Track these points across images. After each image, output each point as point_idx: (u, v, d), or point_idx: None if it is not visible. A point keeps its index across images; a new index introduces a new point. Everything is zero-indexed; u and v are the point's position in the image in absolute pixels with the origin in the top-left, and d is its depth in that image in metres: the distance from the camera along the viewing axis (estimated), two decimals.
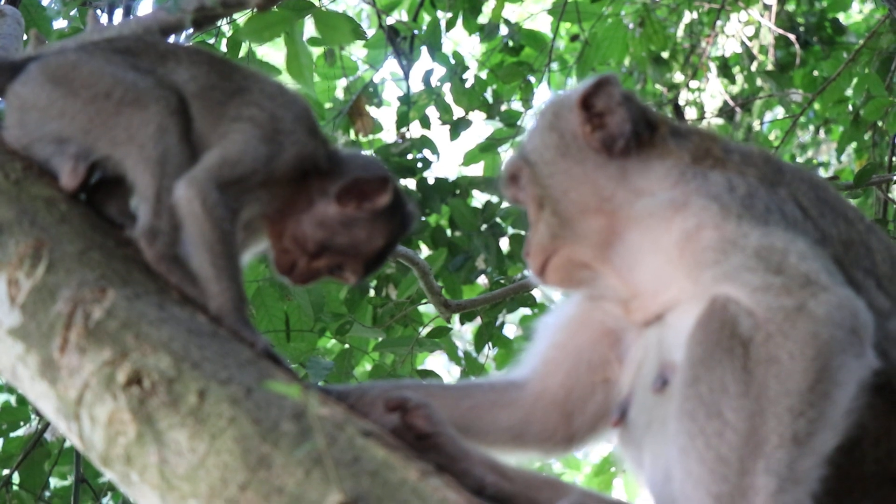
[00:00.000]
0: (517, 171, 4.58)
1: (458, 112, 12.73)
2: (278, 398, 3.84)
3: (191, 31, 4.69)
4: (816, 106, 13.09)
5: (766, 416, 3.71)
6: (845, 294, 3.88)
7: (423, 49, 12.75)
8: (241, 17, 4.49)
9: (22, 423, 10.37)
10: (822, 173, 13.90)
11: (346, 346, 11.06)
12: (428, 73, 12.79)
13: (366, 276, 4.67)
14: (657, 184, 4.29)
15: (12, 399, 10.82)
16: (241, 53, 9.97)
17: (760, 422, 3.72)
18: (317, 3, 4.68)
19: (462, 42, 14.50)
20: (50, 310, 4.02)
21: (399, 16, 13.56)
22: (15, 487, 10.02)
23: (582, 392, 4.51)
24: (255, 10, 4.36)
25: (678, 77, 14.25)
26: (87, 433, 3.93)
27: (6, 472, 9.95)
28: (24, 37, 5.29)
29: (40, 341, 4.01)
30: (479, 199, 12.12)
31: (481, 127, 13.74)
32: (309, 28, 4.88)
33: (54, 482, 10.72)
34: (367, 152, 11.81)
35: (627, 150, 4.38)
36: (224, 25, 10.31)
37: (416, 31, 12.49)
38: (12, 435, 10.49)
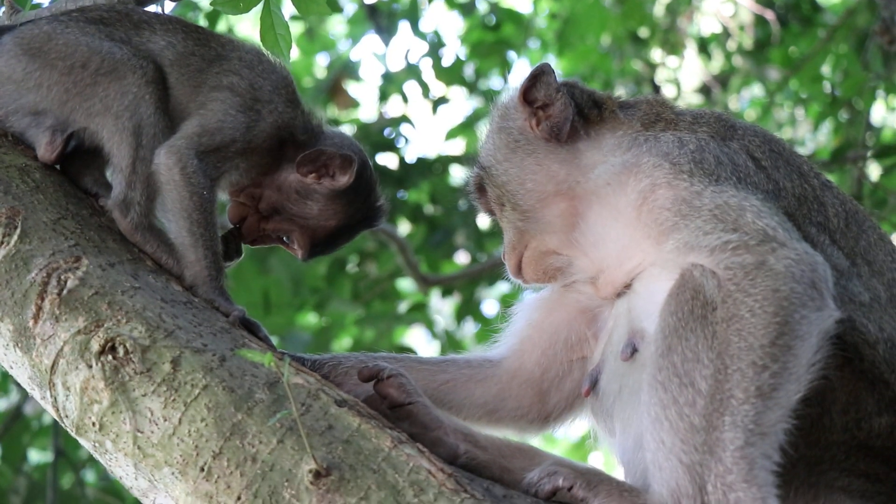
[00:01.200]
0: (479, 180, 4.61)
1: (438, 89, 12.71)
2: (252, 366, 3.85)
3: (168, 1, 4.64)
4: (794, 84, 13.08)
5: (729, 373, 3.72)
6: (803, 248, 3.89)
7: (402, 26, 12.74)
8: None
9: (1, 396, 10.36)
10: (800, 151, 13.87)
11: (324, 321, 11.06)
12: (408, 51, 12.77)
13: (312, 254, 4.64)
14: (610, 154, 4.31)
15: None
16: (222, 27, 9.95)
17: (724, 378, 3.72)
18: None
19: (442, 19, 14.43)
20: (24, 278, 4.00)
21: None
22: None
23: (558, 370, 4.51)
24: None
25: (656, 55, 14.22)
26: (60, 401, 3.92)
27: None
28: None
29: (14, 309, 3.99)
30: (458, 176, 12.10)
31: (461, 104, 13.72)
32: (288, 6, 4.84)
33: (34, 456, 10.70)
34: (347, 129, 11.78)
35: (576, 133, 4.41)
36: None
37: (396, 6, 12.45)
38: None
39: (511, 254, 4.52)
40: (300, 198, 4.50)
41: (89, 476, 10.89)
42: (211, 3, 4.52)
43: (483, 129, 4.69)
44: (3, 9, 4.59)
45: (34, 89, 4.28)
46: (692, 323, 3.85)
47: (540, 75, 4.45)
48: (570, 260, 4.40)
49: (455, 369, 4.54)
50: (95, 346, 3.86)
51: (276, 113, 4.42)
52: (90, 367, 3.85)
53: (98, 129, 4.27)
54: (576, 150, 4.39)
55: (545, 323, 4.52)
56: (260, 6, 4.49)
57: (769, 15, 13.72)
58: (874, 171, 10.85)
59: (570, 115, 4.40)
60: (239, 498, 3.68)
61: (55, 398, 3.93)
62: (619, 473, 4.16)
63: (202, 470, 3.72)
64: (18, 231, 4.07)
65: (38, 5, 4.59)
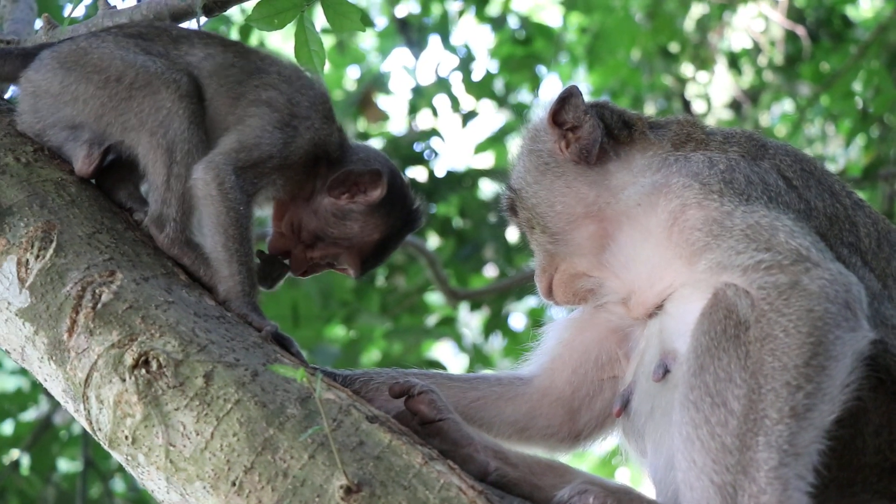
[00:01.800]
0: (511, 203, 4.63)
1: (468, 103, 12.73)
2: (284, 381, 3.86)
3: (202, 17, 4.67)
4: (825, 100, 13.04)
5: (763, 392, 3.71)
6: (837, 269, 3.88)
7: (433, 40, 12.77)
8: (250, 4, 4.45)
9: (31, 405, 10.41)
10: (831, 168, 13.83)
11: (353, 335, 11.07)
12: (438, 64, 12.79)
13: (364, 270, 4.66)
14: (640, 174, 4.31)
15: (24, 382, 10.85)
16: (253, 42, 9.98)
17: (758, 398, 3.71)
18: None
19: (472, 33, 14.45)
20: (59, 292, 4.03)
21: (409, 6, 13.56)
22: (24, 470, 10.05)
23: (589, 389, 4.51)
24: None
25: (687, 70, 14.21)
26: (94, 414, 3.94)
27: (15, 454, 9.98)
28: (37, 22, 5.28)
29: (49, 322, 4.02)
30: (487, 190, 12.11)
31: (491, 118, 13.74)
32: (320, 19, 4.86)
33: (63, 465, 10.75)
34: (377, 142, 11.80)
35: (606, 155, 4.41)
36: (234, 13, 10.32)
37: (426, 20, 12.47)
38: (21, 419, 10.54)
39: (542, 276, 4.53)
40: (338, 220, 4.52)
41: (118, 486, 10.93)
42: (246, 20, 4.55)
43: (514, 150, 4.69)
44: (42, 25, 4.62)
45: (71, 103, 4.31)
46: (725, 342, 3.84)
47: (568, 98, 4.45)
48: (600, 281, 4.40)
49: (486, 387, 4.54)
50: (129, 359, 3.88)
51: (314, 129, 4.44)
52: (124, 380, 3.87)
53: (133, 145, 4.30)
54: (605, 172, 4.39)
55: (576, 342, 4.52)
56: (294, 22, 4.50)
57: (800, 30, 13.69)
58: None
59: (599, 136, 4.40)
60: None
61: (89, 411, 3.95)
62: (648, 491, 4.15)
63: (234, 484, 3.73)
64: (54, 245, 4.09)
65: (76, 20, 4.61)
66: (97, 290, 4.00)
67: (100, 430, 3.95)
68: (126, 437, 3.88)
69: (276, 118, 4.39)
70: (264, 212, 4.61)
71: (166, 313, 3.97)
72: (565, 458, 4.62)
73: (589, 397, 4.50)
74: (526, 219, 4.54)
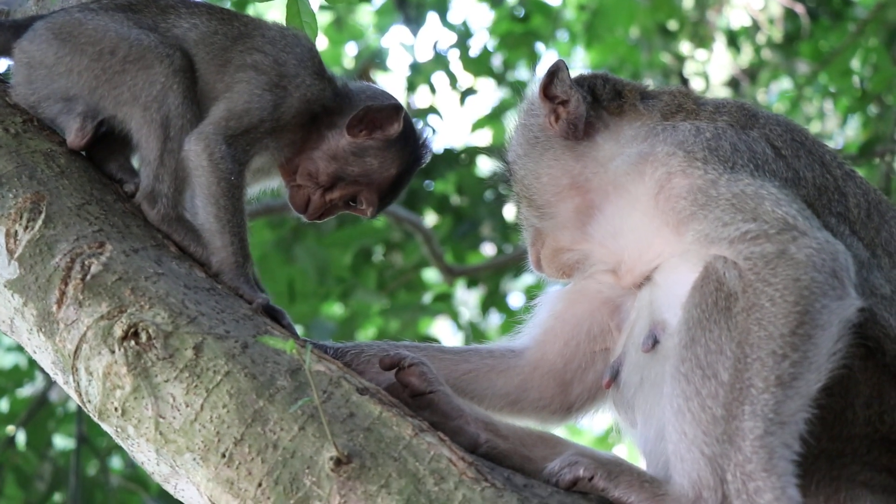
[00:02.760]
0: (506, 176, 4.66)
1: (466, 80, 12.70)
2: (274, 353, 3.85)
3: None
4: (823, 78, 13.03)
5: (749, 362, 3.71)
6: (824, 237, 3.87)
7: (430, 16, 12.74)
8: None
9: (27, 382, 10.40)
10: (829, 145, 13.80)
11: (349, 311, 11.07)
12: (436, 41, 12.77)
13: (381, 206, 4.68)
14: (627, 145, 4.32)
15: (21, 359, 10.85)
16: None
17: (744, 367, 3.71)
18: None
19: (470, 10, 14.43)
20: (48, 263, 4.01)
21: None
22: (20, 446, 10.05)
23: (581, 361, 4.50)
24: None
25: (685, 48, 14.19)
26: (83, 386, 3.93)
27: (11, 430, 9.98)
28: None
29: (38, 294, 4.01)
30: (485, 167, 12.09)
31: (489, 95, 13.72)
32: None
33: (59, 442, 10.75)
34: None
35: (594, 128, 4.42)
36: None
37: None
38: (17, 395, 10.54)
39: (531, 250, 4.56)
40: (357, 158, 4.53)
41: (115, 463, 10.93)
42: None
43: (511, 123, 4.70)
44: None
45: (65, 74, 4.29)
46: (716, 315, 3.84)
47: (556, 72, 4.45)
48: (585, 254, 4.41)
49: (477, 359, 4.54)
50: (118, 331, 3.86)
51: (304, 87, 4.43)
52: (113, 352, 3.86)
53: (127, 119, 4.28)
54: (594, 144, 4.40)
55: (568, 314, 4.52)
56: None
57: (799, 8, 13.66)
58: None
59: (584, 112, 4.40)
60: (260, 484, 3.69)
61: (78, 383, 3.94)
62: (641, 464, 4.14)
63: (223, 456, 3.73)
64: (43, 216, 4.08)
65: None
66: (86, 262, 3.98)
67: (89, 401, 3.94)
68: (115, 409, 3.87)
69: (264, 80, 4.38)
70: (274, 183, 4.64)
71: (156, 285, 3.95)
72: (558, 430, 4.62)
73: (581, 369, 4.49)
74: (517, 192, 4.56)
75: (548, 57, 13.68)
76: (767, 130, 4.26)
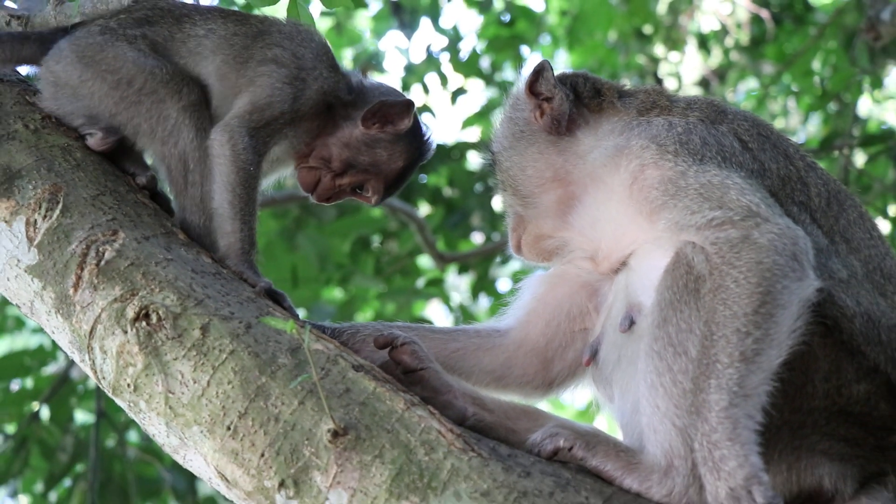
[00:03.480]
0: (491, 166, 4.63)
1: (456, 81, 12.68)
2: (276, 333, 3.84)
3: None
4: (786, 78, 13.02)
5: (715, 339, 3.70)
6: (785, 223, 3.86)
7: (424, 22, 12.71)
8: None
9: (50, 361, 10.38)
10: (792, 139, 13.82)
11: (348, 296, 11.04)
12: (429, 45, 12.73)
13: (385, 195, 4.69)
14: (604, 139, 4.30)
15: (45, 340, 10.83)
16: None
17: (710, 344, 3.70)
18: None
19: (460, 16, 14.40)
20: (65, 250, 4.00)
21: None
22: (44, 421, 10.03)
23: (562, 340, 4.49)
24: None
25: (659, 50, 14.17)
26: (98, 364, 3.92)
27: (35, 406, 9.97)
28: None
29: (56, 279, 3.99)
30: (474, 161, 12.07)
31: (478, 94, 13.70)
32: (317, 5, 4.83)
33: (80, 417, 10.74)
34: None
35: (575, 124, 4.39)
36: None
37: (418, 3, 12.40)
38: (41, 373, 10.51)
39: (512, 235, 4.54)
40: (369, 148, 4.53)
41: (132, 436, 10.91)
42: None
43: (497, 116, 4.68)
44: (51, 2, 4.56)
45: (87, 97, 4.28)
46: (686, 296, 3.83)
47: (541, 71, 4.43)
48: (565, 241, 4.40)
49: (465, 338, 4.52)
50: (130, 313, 3.85)
51: (322, 79, 4.42)
52: (125, 332, 3.85)
53: (146, 148, 4.32)
54: (574, 139, 4.38)
55: (549, 297, 4.51)
56: None
57: (764, 13, 13.66)
58: (860, 158, 10.80)
59: (567, 108, 4.38)
60: (262, 455, 3.68)
61: (93, 361, 3.93)
62: (619, 436, 4.13)
63: (228, 429, 3.72)
64: (60, 206, 4.07)
65: None
66: (101, 249, 3.97)
67: (104, 378, 3.93)
68: (128, 385, 3.86)
69: (285, 73, 4.37)
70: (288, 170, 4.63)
71: (165, 270, 3.94)
72: (541, 404, 4.62)
73: (561, 348, 4.48)
74: (501, 181, 4.54)
75: (532, 59, 13.65)
76: (735, 125, 4.25)
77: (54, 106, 4.32)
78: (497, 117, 4.66)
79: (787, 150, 4.28)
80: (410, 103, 4.56)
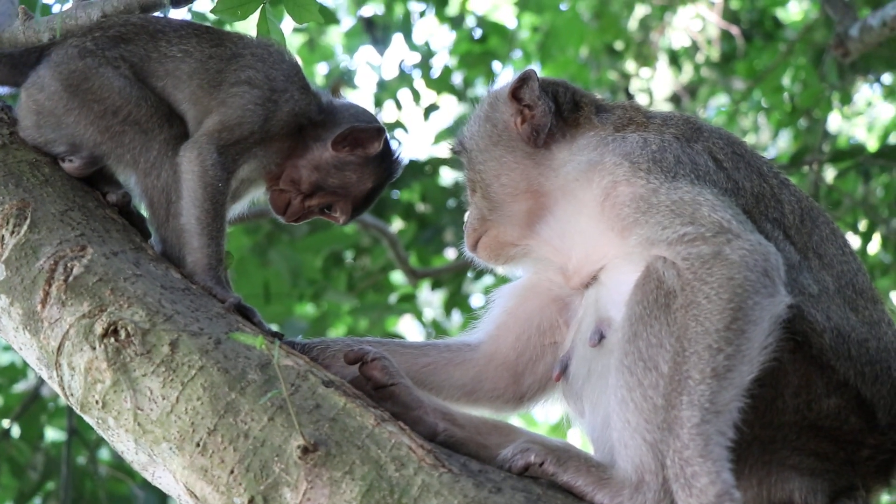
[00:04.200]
0: (458, 151, 4.58)
1: (429, 97, 12.69)
2: (245, 349, 3.82)
3: (172, 9, 4.58)
4: (757, 94, 13.08)
5: (687, 355, 3.69)
6: (757, 239, 3.86)
7: (396, 38, 12.72)
8: None
9: (21, 378, 10.32)
10: (763, 155, 13.91)
11: (321, 311, 11.02)
12: (401, 61, 12.74)
13: (353, 216, 4.68)
14: (578, 153, 4.27)
15: (17, 358, 10.76)
16: None
17: (682, 360, 3.69)
18: None
19: (432, 32, 14.42)
20: (33, 265, 3.97)
21: (374, 7, 13.51)
22: (14, 439, 9.96)
23: (532, 354, 4.48)
24: None
25: (630, 66, 14.22)
26: (66, 381, 3.89)
27: (6, 423, 9.90)
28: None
29: (23, 294, 3.96)
30: (447, 177, 12.08)
31: (450, 110, 13.71)
32: (289, 22, 4.81)
33: (50, 434, 10.67)
34: None
35: (553, 137, 4.36)
36: (201, 6, 10.21)
37: (390, 19, 12.41)
38: (12, 390, 10.45)
39: (471, 233, 4.49)
40: (338, 171, 4.51)
41: (104, 454, 10.85)
42: (212, 11, 4.47)
43: (473, 110, 4.61)
44: (19, 17, 4.52)
45: (73, 125, 4.25)
46: (656, 311, 3.82)
47: (526, 80, 4.40)
48: (529, 249, 4.39)
49: (436, 353, 4.51)
50: (99, 329, 3.82)
51: (293, 101, 4.41)
52: (94, 348, 3.82)
53: (127, 177, 4.31)
54: (551, 155, 4.35)
55: (519, 310, 4.49)
56: (257, 13, 4.44)
57: (734, 30, 13.73)
58: (829, 174, 10.85)
59: (549, 122, 4.35)
60: (232, 472, 3.65)
61: (61, 378, 3.90)
62: (590, 450, 4.12)
63: (198, 445, 3.69)
64: (28, 221, 4.03)
65: (48, 9, 4.52)
66: (69, 264, 3.94)
67: (72, 395, 3.89)
68: (97, 402, 3.83)
69: (257, 94, 4.35)
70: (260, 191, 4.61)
71: (134, 285, 3.91)
72: (513, 419, 4.60)
73: (532, 362, 4.47)
74: (470, 178, 4.50)
75: (504, 75, 13.68)
76: (710, 143, 4.24)
77: (36, 134, 4.28)
78: (473, 112, 4.60)
79: (761, 168, 4.28)
80: (381, 129, 4.54)
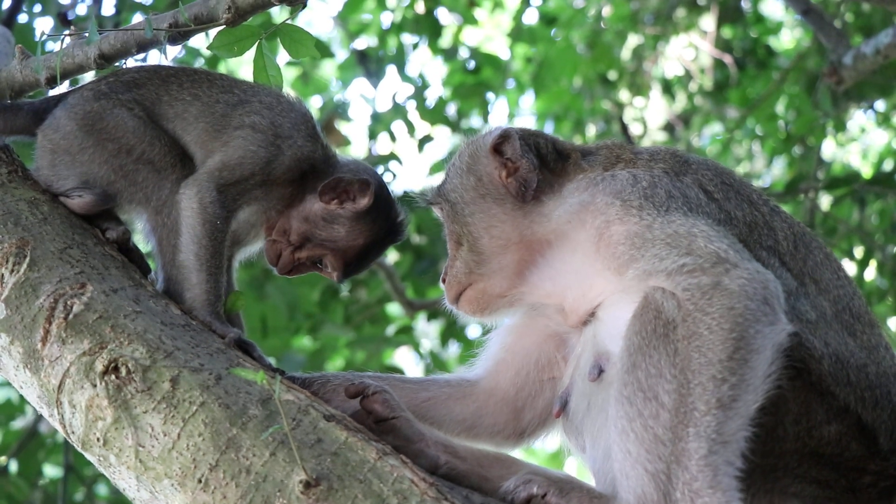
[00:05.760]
0: (434, 200, 4.54)
1: (423, 128, 12.71)
2: (246, 384, 3.82)
3: (169, 47, 4.61)
4: (751, 122, 13.12)
5: (692, 387, 3.70)
6: (755, 268, 3.87)
7: (389, 70, 12.76)
8: (214, 33, 4.40)
9: (18, 415, 10.32)
10: (757, 184, 13.98)
11: (318, 344, 11.01)
12: (395, 93, 12.77)
13: (347, 273, 4.61)
14: (570, 196, 4.26)
15: (13, 394, 10.75)
16: (221, 70, 9.93)
17: (687, 392, 3.70)
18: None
19: (426, 64, 14.46)
20: (32, 304, 3.98)
21: (368, 39, 13.56)
22: (12, 475, 9.95)
23: (531, 390, 4.48)
24: (226, 25, 4.28)
25: (624, 96, 14.26)
26: (67, 418, 3.89)
27: (3, 460, 9.88)
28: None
29: (24, 333, 3.97)
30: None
31: (445, 141, 13.74)
32: (283, 55, 4.82)
33: (49, 471, 10.65)
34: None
35: (541, 189, 4.33)
36: (196, 42, 10.26)
37: (383, 52, 12.45)
38: (10, 427, 10.44)
39: (454, 285, 4.45)
40: (327, 224, 4.48)
41: (101, 490, 10.82)
42: (208, 47, 4.49)
43: (451, 164, 4.57)
44: (17, 56, 4.55)
45: (87, 163, 4.30)
46: (655, 341, 3.83)
47: (507, 137, 4.37)
48: (515, 299, 4.38)
49: (436, 388, 4.51)
50: (99, 366, 3.83)
51: (296, 147, 4.41)
52: (95, 386, 3.83)
53: (138, 215, 4.35)
54: (540, 203, 4.32)
55: (517, 346, 4.49)
56: (253, 49, 4.46)
57: (727, 59, 13.78)
58: (825, 201, 10.88)
59: (535, 178, 4.32)
60: None
61: (62, 415, 3.90)
62: (591, 482, 4.12)
63: (200, 482, 3.69)
64: (28, 260, 4.04)
65: (47, 51, 4.54)
66: (69, 302, 3.95)
67: (73, 433, 3.89)
68: (98, 439, 3.83)
69: (260, 138, 4.37)
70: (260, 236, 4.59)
71: (134, 322, 3.92)
72: (513, 452, 4.59)
73: (531, 397, 4.47)
74: (455, 231, 4.44)
75: (498, 105, 13.70)
76: (699, 175, 4.26)
77: (50, 173, 4.32)
78: (451, 164, 4.56)
79: (751, 196, 4.30)
80: (367, 181, 4.48)
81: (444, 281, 4.51)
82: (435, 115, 12.78)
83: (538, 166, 4.35)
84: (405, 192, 11.57)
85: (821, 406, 3.96)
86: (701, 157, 4.43)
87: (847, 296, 4.22)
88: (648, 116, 14.53)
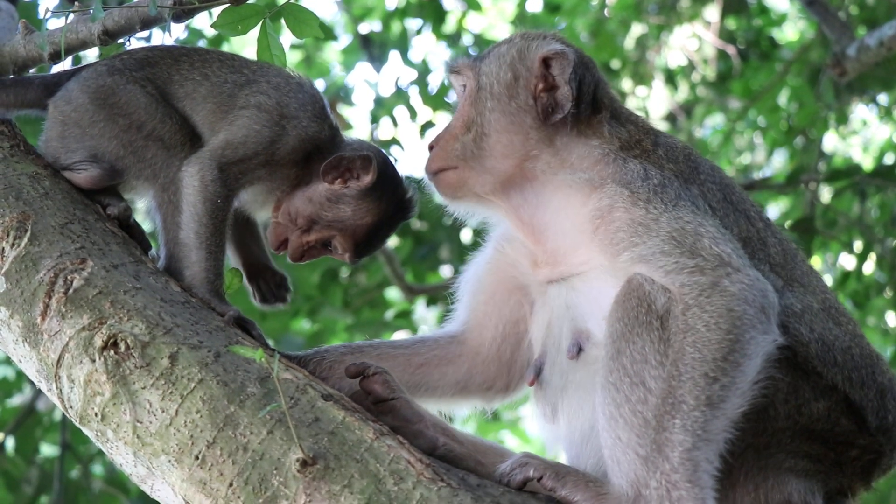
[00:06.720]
0: (462, 71, 4.46)
1: (425, 114, 12.70)
2: (245, 362, 3.83)
3: (173, 24, 4.60)
4: (753, 114, 13.12)
5: (683, 379, 3.73)
6: (755, 275, 3.91)
7: (393, 55, 12.76)
8: (217, 11, 4.39)
9: (16, 392, 10.33)
10: (758, 175, 13.99)
11: (317, 327, 11.02)
12: (397, 78, 12.75)
13: (358, 254, 4.57)
14: (579, 161, 4.23)
15: (10, 372, 10.77)
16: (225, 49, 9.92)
17: (678, 384, 3.73)
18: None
19: (429, 49, 14.45)
20: (33, 278, 3.97)
21: (371, 24, 13.55)
22: (9, 452, 9.97)
23: (512, 342, 4.50)
24: (230, 3, 4.28)
25: (627, 85, 14.25)
26: (66, 393, 3.89)
27: (0, 437, 9.90)
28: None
29: (23, 307, 3.96)
30: None
31: None
32: (287, 37, 4.81)
33: (45, 449, 10.67)
34: None
35: (563, 123, 4.26)
36: (200, 23, 10.24)
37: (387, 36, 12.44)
38: (7, 404, 10.46)
39: (440, 159, 4.40)
40: (332, 204, 4.45)
41: (97, 469, 10.84)
42: (212, 25, 4.48)
43: (498, 47, 4.46)
44: (20, 31, 4.55)
45: (97, 137, 4.30)
46: (638, 328, 3.86)
47: (562, 56, 4.26)
48: (486, 205, 4.38)
49: (427, 351, 4.51)
50: (98, 341, 3.83)
51: (301, 128, 4.38)
52: (93, 361, 3.83)
53: (144, 191, 4.34)
54: (554, 137, 4.27)
55: (490, 300, 4.50)
56: (258, 28, 4.45)
57: (731, 50, 13.77)
58: (826, 193, 10.89)
59: (567, 108, 4.24)
60: (231, 484, 3.66)
61: (61, 390, 3.91)
62: (560, 460, 4.14)
63: (197, 458, 3.70)
64: (28, 234, 4.04)
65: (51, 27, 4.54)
66: (69, 277, 3.94)
67: (71, 407, 3.90)
68: (96, 415, 3.83)
69: (265, 118, 4.35)
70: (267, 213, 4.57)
71: (134, 298, 3.92)
72: (507, 440, 4.60)
73: (513, 350, 4.50)
74: (467, 114, 4.38)
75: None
76: (705, 189, 4.22)
77: (59, 145, 4.32)
78: (497, 49, 4.45)
79: (749, 211, 4.30)
80: (368, 156, 4.44)
81: (431, 147, 4.44)
82: (437, 100, 12.77)
83: (574, 101, 4.26)
84: (406, 177, 11.63)
85: (807, 384, 4.01)
86: (709, 164, 4.38)
87: (831, 299, 4.28)
88: (651, 106, 14.52)
